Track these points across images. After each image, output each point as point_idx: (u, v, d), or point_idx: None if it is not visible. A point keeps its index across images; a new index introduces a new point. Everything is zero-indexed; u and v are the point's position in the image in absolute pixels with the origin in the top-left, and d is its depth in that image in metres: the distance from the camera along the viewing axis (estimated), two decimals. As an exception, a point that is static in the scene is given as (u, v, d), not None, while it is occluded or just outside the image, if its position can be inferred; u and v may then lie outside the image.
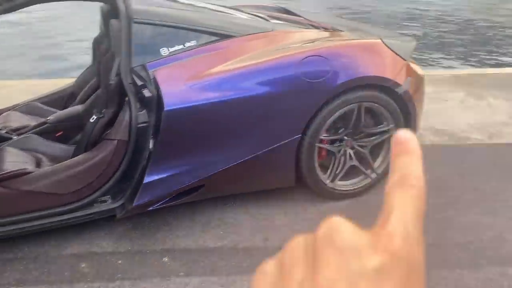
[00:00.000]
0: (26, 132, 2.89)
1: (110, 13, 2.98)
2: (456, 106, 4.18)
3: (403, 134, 0.30)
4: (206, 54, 2.41)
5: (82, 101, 3.07)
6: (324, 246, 0.26)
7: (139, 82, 2.30)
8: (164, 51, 2.39)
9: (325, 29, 2.95)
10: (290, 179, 2.64)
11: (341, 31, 2.96)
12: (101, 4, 3.06)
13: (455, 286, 2.09)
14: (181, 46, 2.42)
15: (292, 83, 2.36)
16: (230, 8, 3.15)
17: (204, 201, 2.67)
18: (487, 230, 2.47)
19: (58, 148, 2.79)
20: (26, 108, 3.28)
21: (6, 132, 2.84)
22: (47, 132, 2.89)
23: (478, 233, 2.45)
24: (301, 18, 3.25)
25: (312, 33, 2.83)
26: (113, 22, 2.46)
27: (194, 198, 2.52)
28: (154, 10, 2.47)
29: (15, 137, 2.82)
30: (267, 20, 2.95)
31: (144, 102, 2.31)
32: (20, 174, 2.35)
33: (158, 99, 2.24)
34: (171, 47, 2.40)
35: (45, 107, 3.32)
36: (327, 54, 2.42)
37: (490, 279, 2.13)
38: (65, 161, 2.39)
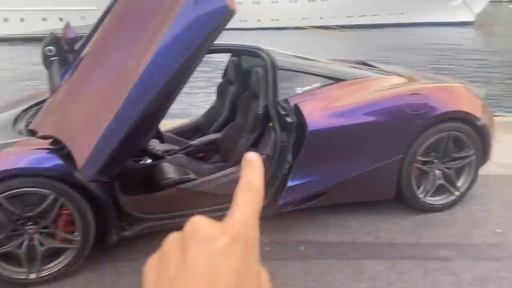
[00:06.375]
0: (175, 153, 3.66)
1: (239, 65, 3.82)
2: (511, 146, 4.79)
3: (250, 155, 0.40)
4: (329, 92, 3.17)
5: (214, 131, 3.85)
6: (190, 237, 0.35)
7: (282, 112, 3.06)
8: (298, 90, 3.16)
9: (402, 76, 3.67)
10: (391, 192, 3.28)
11: (415, 78, 3.67)
12: (231, 58, 3.91)
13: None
14: (310, 87, 3.20)
15: (399, 113, 3.08)
16: (331, 60, 3.95)
17: (316, 209, 3.31)
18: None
19: (200, 165, 3.53)
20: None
21: (160, 153, 3.62)
22: (192, 153, 3.66)
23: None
24: (377, 68, 4.00)
25: (398, 79, 3.56)
26: (257, 70, 3.27)
27: (316, 204, 3.18)
28: (290, 60, 3.28)
29: (167, 156, 3.59)
30: (361, 69, 3.72)
31: (284, 127, 3.06)
32: (188, 180, 3.10)
33: (299, 124, 2.98)
34: (303, 87, 3.18)
35: (176, 137, 4.12)
36: (425, 92, 3.15)
37: None
38: (224, 171, 3.12)
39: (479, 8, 30.87)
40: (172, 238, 0.38)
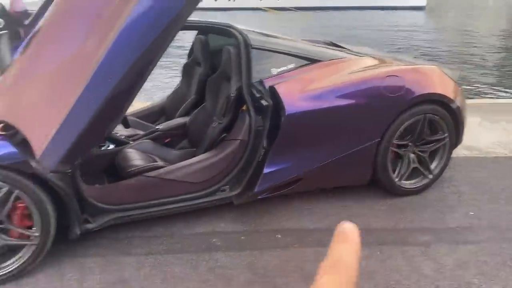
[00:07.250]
0: (139, 138, 3.42)
1: (206, 44, 3.60)
2: (476, 129, 4.86)
3: (346, 225, 0.32)
4: (305, 73, 3.03)
5: (182, 115, 3.62)
6: None
7: (257, 94, 2.89)
8: (274, 71, 3.00)
9: (373, 57, 3.58)
10: (365, 177, 3.22)
11: (386, 60, 3.58)
12: (198, 36, 3.68)
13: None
14: (285, 68, 3.04)
15: (378, 96, 2.99)
16: (306, 40, 3.80)
17: (289, 195, 3.19)
18: (528, 217, 3.08)
19: (167, 152, 3.32)
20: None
21: (124, 138, 3.37)
22: (158, 138, 3.43)
23: (521, 219, 3.05)
24: (347, 49, 3.88)
25: (371, 60, 3.46)
26: (229, 48, 3.07)
27: (292, 191, 3.07)
28: (264, 39, 3.10)
29: (131, 142, 3.35)
30: (335, 49, 3.60)
31: (259, 110, 2.89)
32: (156, 167, 2.89)
33: (275, 107, 2.83)
34: (278, 68, 3.02)
35: (139, 121, 3.86)
36: (402, 74, 3.07)
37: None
38: (195, 157, 2.93)
39: (431, -7, 31.63)
40: None
